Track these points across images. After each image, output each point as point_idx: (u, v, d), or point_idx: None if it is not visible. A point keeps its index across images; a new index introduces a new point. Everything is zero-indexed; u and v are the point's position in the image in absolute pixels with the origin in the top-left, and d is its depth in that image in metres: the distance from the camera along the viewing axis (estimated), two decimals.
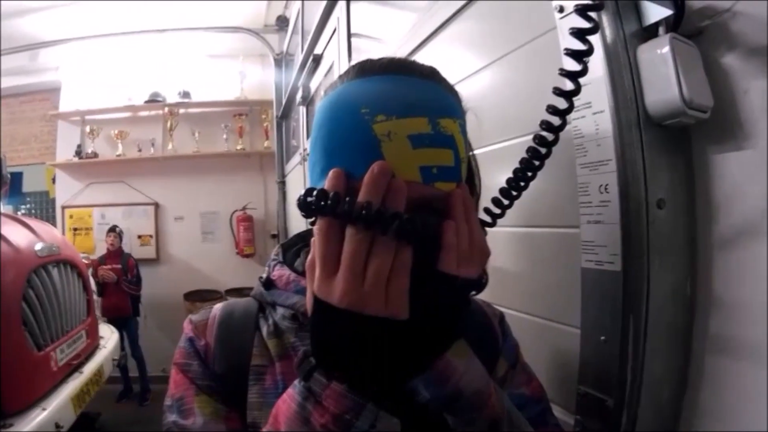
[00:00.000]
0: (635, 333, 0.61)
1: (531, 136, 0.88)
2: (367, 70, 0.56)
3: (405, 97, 0.51)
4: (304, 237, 0.76)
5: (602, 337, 0.67)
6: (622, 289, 0.62)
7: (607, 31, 0.63)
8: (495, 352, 0.71)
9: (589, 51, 0.55)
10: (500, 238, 0.99)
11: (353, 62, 0.58)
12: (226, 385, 0.66)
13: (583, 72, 0.56)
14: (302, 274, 0.67)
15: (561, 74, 0.56)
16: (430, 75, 0.56)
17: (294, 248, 0.75)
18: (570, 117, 0.69)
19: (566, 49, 0.56)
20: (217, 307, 0.75)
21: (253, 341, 0.68)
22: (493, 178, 1.05)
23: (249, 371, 0.66)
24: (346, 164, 0.50)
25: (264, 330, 0.68)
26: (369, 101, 0.51)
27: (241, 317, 0.71)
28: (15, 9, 4.82)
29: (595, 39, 0.64)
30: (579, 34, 0.55)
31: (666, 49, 0.61)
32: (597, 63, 0.65)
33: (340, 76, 0.58)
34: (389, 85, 0.53)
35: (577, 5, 0.56)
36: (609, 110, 0.63)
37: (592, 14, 0.56)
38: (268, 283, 0.70)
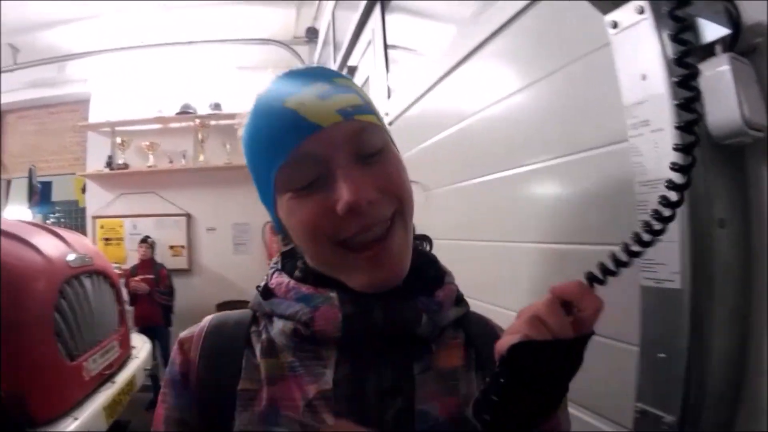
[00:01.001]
0: (699, 350, 0.62)
1: (576, 156, 0.92)
2: (265, 87, 0.63)
3: (299, 80, 0.60)
4: (290, 240, 0.71)
5: (661, 354, 0.68)
6: (686, 306, 0.63)
7: (667, 49, 0.64)
8: None
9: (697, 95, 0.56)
10: (553, 255, 1.01)
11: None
12: (207, 412, 0.61)
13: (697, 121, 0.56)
14: (302, 281, 0.64)
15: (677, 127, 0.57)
16: (318, 67, 0.65)
17: (293, 258, 0.71)
18: (627, 134, 0.72)
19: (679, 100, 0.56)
20: (207, 318, 0.71)
21: (241, 361, 0.63)
22: (532, 198, 1.08)
23: (235, 396, 0.60)
24: (281, 141, 0.57)
25: (257, 348, 0.63)
26: (272, 99, 0.59)
27: (232, 331, 0.67)
28: (43, 22, 4.99)
29: (655, 56, 0.66)
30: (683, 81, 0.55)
31: (725, 67, 0.62)
32: (656, 80, 0.67)
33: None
34: (281, 83, 0.61)
35: (664, 8, 0.57)
36: (669, 129, 0.65)
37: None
38: (267, 292, 0.66)
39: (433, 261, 0.71)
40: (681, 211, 0.64)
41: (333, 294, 0.60)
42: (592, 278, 0.54)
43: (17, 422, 2.13)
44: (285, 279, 0.65)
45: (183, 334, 0.69)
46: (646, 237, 0.53)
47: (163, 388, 0.66)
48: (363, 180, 0.56)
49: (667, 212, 0.52)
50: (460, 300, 0.69)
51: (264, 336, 0.64)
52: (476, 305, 1.35)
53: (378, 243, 0.58)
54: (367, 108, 0.61)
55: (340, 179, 0.55)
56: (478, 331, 0.71)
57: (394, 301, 0.59)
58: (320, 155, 0.56)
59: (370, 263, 0.58)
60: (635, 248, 0.53)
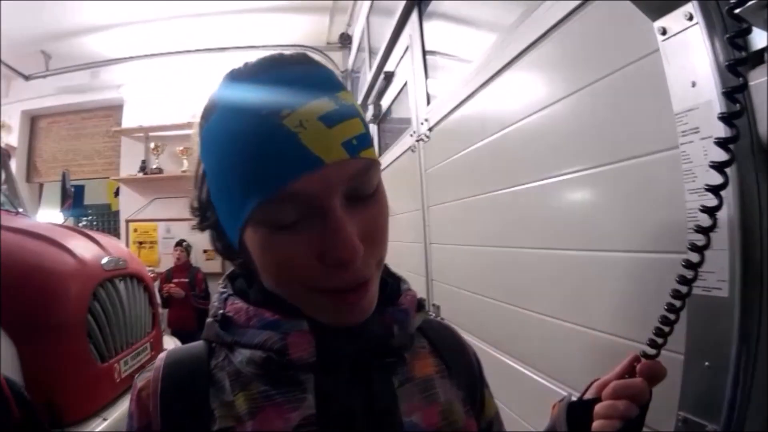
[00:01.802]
0: (746, 360, 0.63)
1: (622, 164, 0.93)
2: (237, 78, 0.56)
3: (296, 85, 0.52)
4: (246, 265, 0.64)
5: (706, 363, 0.69)
6: (735, 315, 0.64)
7: (720, 57, 0.66)
8: (474, 384, 0.74)
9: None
10: (600, 262, 1.02)
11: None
12: None
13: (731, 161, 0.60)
14: (260, 305, 0.59)
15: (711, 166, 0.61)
16: (304, 60, 0.56)
17: (243, 278, 0.67)
18: (678, 141, 0.73)
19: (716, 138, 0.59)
20: (161, 358, 0.64)
21: (208, 400, 0.57)
22: (577, 206, 1.09)
23: None
24: (270, 172, 0.49)
25: (225, 383, 0.58)
26: (264, 103, 0.50)
27: (191, 369, 0.61)
28: (75, 29, 5.17)
29: (705, 63, 0.68)
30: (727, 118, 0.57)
31: None
32: (705, 88, 0.68)
33: (210, 100, 0.57)
34: (273, 81, 0.52)
35: (728, 36, 0.59)
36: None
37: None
38: (225, 321, 0.60)
39: (386, 269, 0.65)
40: (731, 220, 0.65)
41: (302, 320, 0.57)
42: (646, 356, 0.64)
43: (46, 422, 2.14)
44: (243, 305, 0.60)
45: (139, 380, 0.62)
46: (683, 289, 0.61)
47: None
48: (353, 230, 0.51)
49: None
50: (420, 306, 0.67)
51: (228, 369, 0.59)
52: (515, 311, 1.36)
53: (355, 292, 0.54)
54: (369, 138, 0.54)
55: (332, 228, 0.50)
56: (440, 338, 0.73)
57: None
58: (313, 195, 0.50)
59: (344, 308, 0.55)
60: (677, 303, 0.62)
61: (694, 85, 0.70)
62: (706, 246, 0.61)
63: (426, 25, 2.47)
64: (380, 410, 0.59)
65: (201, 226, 0.66)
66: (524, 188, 1.33)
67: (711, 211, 0.62)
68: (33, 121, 6.44)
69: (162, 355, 0.64)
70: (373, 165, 0.54)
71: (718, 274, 0.67)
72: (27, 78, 5.77)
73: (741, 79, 0.59)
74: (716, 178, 0.66)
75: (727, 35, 0.59)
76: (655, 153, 0.85)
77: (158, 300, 3.53)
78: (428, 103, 2.35)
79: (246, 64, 0.57)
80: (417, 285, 2.33)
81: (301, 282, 0.53)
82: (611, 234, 0.98)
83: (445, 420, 0.63)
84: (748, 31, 0.60)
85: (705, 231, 0.62)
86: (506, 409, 1.42)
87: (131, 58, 5.68)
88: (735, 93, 0.58)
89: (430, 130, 2.22)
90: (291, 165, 0.48)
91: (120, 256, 2.99)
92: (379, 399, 0.59)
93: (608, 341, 0.97)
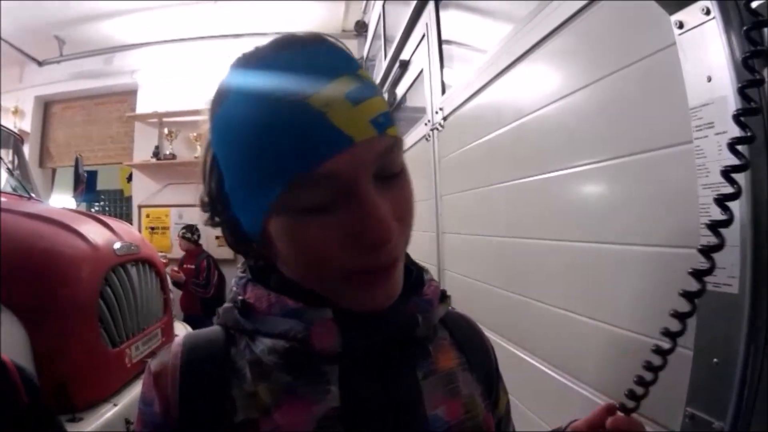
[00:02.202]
0: (754, 358, 0.63)
1: (636, 156, 0.93)
2: (251, 62, 0.54)
3: (317, 64, 0.51)
4: (264, 257, 0.64)
5: (715, 360, 0.69)
6: (744, 313, 0.65)
7: (737, 53, 0.66)
8: (492, 379, 0.73)
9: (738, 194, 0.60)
10: (611, 256, 1.03)
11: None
12: None
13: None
14: (279, 291, 0.58)
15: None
16: (319, 39, 0.55)
17: (259, 267, 0.65)
18: (692, 135, 0.74)
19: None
20: (178, 343, 0.62)
21: (230, 390, 0.56)
22: (587, 198, 1.10)
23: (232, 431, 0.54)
24: (300, 154, 0.48)
25: (246, 372, 0.57)
26: (286, 84, 0.49)
27: (211, 356, 0.59)
28: (89, 14, 5.23)
29: (721, 58, 0.68)
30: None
31: None
32: (721, 82, 0.68)
33: (222, 87, 0.56)
34: (291, 62, 0.51)
35: (745, 28, 0.59)
36: (732, 132, 0.66)
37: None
38: (244, 308, 0.58)
39: (409, 257, 0.65)
40: (742, 217, 0.66)
41: (326, 308, 0.55)
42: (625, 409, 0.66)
43: (57, 406, 2.20)
44: (264, 291, 0.59)
45: (154, 364, 0.60)
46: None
47: (140, 427, 0.60)
48: (387, 210, 0.51)
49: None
50: (443, 297, 0.67)
51: (248, 357, 0.58)
52: (527, 302, 1.37)
53: (384, 272, 0.54)
54: (391, 116, 0.53)
55: (366, 208, 0.49)
56: (460, 330, 0.73)
57: (389, 307, 0.56)
58: (343, 175, 0.49)
59: (371, 291, 0.54)
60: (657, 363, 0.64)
61: (709, 80, 0.70)
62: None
63: (443, 14, 2.46)
64: (405, 403, 0.58)
65: (213, 223, 0.64)
66: (539, 179, 1.34)
67: (719, 225, 0.62)
68: (46, 106, 6.52)
69: (179, 340, 0.62)
70: (399, 143, 0.54)
71: (729, 271, 0.68)
72: (41, 63, 5.85)
73: (756, 74, 0.59)
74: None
75: (745, 27, 0.59)
76: (670, 147, 0.85)
77: (170, 285, 3.57)
78: (443, 92, 2.36)
79: (258, 48, 0.55)
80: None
81: (333, 265, 0.52)
82: (626, 227, 0.98)
83: (468, 413, 0.62)
84: (765, 23, 0.60)
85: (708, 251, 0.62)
86: (516, 402, 1.42)
87: (145, 44, 5.75)
88: (749, 88, 0.59)
89: (444, 119, 2.23)
90: (321, 146, 0.47)
91: (132, 241, 3.02)
92: (404, 392, 0.58)
93: (622, 336, 0.97)
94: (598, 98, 1.06)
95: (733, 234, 0.66)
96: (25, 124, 6.13)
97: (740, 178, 0.63)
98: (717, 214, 0.69)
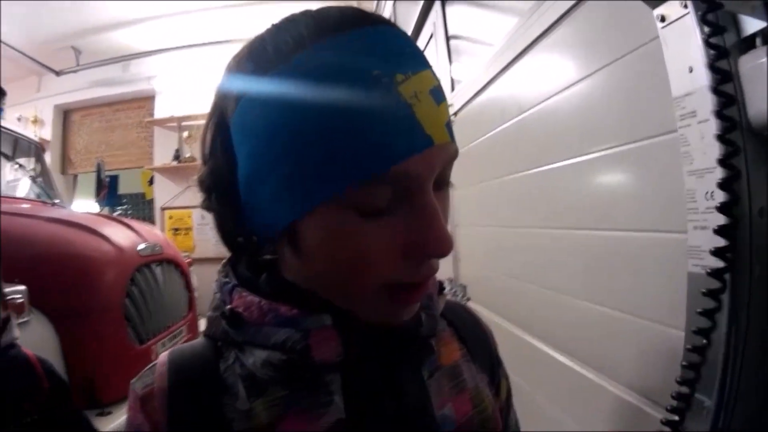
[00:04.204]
0: (736, 339, 0.65)
1: (632, 145, 0.95)
2: (334, 27, 0.46)
3: (404, 49, 0.46)
4: (247, 247, 0.56)
5: (704, 341, 0.71)
6: (725, 294, 0.67)
7: (711, 41, 0.68)
8: (493, 366, 0.71)
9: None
10: (608, 240, 1.06)
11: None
12: None
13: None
14: (271, 297, 0.52)
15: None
16: (390, 22, 0.49)
17: (244, 265, 0.59)
18: (677, 124, 0.76)
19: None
20: (163, 361, 0.56)
21: (222, 410, 0.51)
22: (599, 185, 1.11)
23: None
24: (379, 147, 0.42)
25: (239, 389, 0.52)
26: (375, 61, 0.43)
27: (200, 374, 0.54)
28: (105, 24, 5.30)
29: (698, 49, 0.70)
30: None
31: (764, 60, 0.64)
32: (701, 73, 0.71)
33: (296, 43, 0.46)
34: (379, 38, 0.45)
35: (703, 37, 0.62)
36: (714, 120, 0.69)
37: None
38: (233, 317, 0.52)
39: None
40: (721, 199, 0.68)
41: (325, 314, 0.51)
42: None
43: (84, 403, 2.27)
44: (253, 298, 0.53)
45: (137, 386, 0.55)
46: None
47: None
48: (443, 221, 0.47)
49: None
50: (441, 288, 0.62)
51: (240, 372, 0.53)
52: (543, 292, 1.38)
53: (421, 287, 0.51)
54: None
55: (428, 219, 0.45)
56: (459, 318, 0.71)
57: None
58: (415, 178, 0.45)
59: (404, 305, 0.51)
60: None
61: (691, 70, 0.72)
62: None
63: (449, 9, 2.49)
64: (413, 407, 0.55)
65: (210, 207, 0.57)
66: (548, 168, 1.36)
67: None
68: (66, 114, 6.63)
69: (163, 359, 0.57)
70: (456, 152, 0.50)
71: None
72: (58, 73, 5.94)
73: (719, 75, 0.62)
74: (711, 161, 0.69)
75: (703, 36, 0.62)
76: (662, 135, 0.87)
77: (194, 284, 3.63)
78: (452, 89, 2.39)
79: (331, 12, 0.48)
80: (444, 265, 2.37)
81: (380, 273, 0.47)
82: (642, 213, 0.97)
83: (475, 408, 0.61)
84: (722, 29, 0.63)
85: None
86: (533, 393, 1.46)
87: (161, 50, 5.81)
88: (717, 61, 0.61)
89: (455, 115, 2.25)
90: (403, 142, 0.43)
91: (156, 242, 3.10)
92: (411, 395, 0.56)
93: (643, 326, 0.96)
94: (597, 90, 1.09)
95: (717, 218, 0.69)
96: (45, 132, 6.21)
97: (714, 153, 0.67)
98: (702, 199, 0.72)
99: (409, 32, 3.04)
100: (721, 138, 0.65)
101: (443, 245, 0.45)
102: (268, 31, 0.53)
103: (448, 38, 2.46)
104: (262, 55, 0.49)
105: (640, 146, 0.95)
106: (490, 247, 1.96)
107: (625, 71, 0.99)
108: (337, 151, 0.42)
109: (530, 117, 1.45)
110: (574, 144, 1.21)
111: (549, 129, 1.34)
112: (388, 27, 0.47)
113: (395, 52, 0.45)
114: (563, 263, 1.30)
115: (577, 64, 1.17)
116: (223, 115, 0.53)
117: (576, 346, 1.25)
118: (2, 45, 4.79)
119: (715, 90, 0.63)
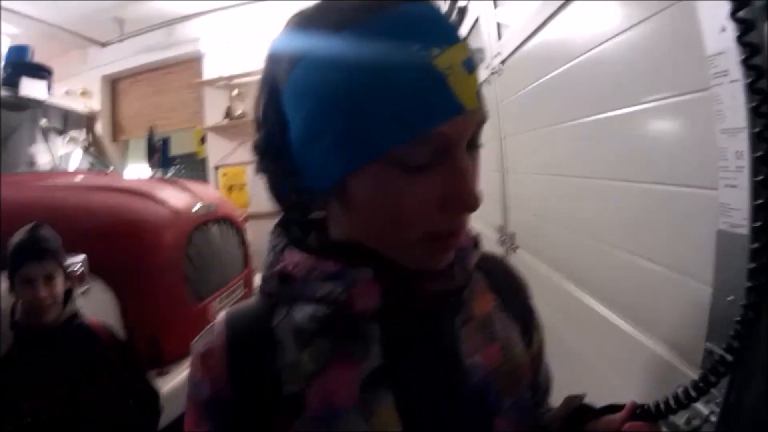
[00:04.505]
0: (757, 298, 0.64)
1: (675, 99, 0.94)
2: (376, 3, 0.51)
3: (439, 22, 0.51)
4: (299, 205, 0.61)
5: (730, 298, 0.73)
6: (748, 252, 0.66)
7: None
8: (526, 316, 0.74)
9: None
10: (636, 192, 1.08)
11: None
12: None
13: None
14: (320, 253, 0.58)
15: None
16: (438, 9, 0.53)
17: (295, 225, 0.65)
18: (710, 82, 0.76)
19: None
20: (221, 321, 0.63)
21: (275, 363, 0.57)
22: (657, 137, 1.07)
23: (281, 405, 0.56)
24: (418, 119, 0.48)
25: (290, 342, 0.58)
26: (415, 34, 0.48)
27: (256, 331, 0.60)
28: None
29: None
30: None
31: None
32: (732, 33, 0.70)
33: (334, 23, 0.51)
34: (419, 14, 0.50)
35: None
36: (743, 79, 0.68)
37: None
38: (283, 275, 0.58)
39: None
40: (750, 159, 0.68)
41: (367, 267, 0.56)
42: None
43: (149, 358, 2.41)
44: (301, 256, 0.58)
45: (199, 345, 0.62)
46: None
47: (193, 416, 0.60)
48: (475, 179, 0.53)
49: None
50: (476, 242, 0.67)
51: (290, 326, 0.58)
52: (596, 245, 1.38)
53: (456, 236, 0.56)
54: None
55: (460, 177, 0.51)
56: (494, 270, 0.74)
57: None
58: (450, 140, 0.50)
59: (442, 252, 0.56)
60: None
61: (723, 29, 0.71)
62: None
63: None
64: (445, 355, 0.60)
65: (264, 168, 0.61)
66: (594, 119, 1.34)
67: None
68: (113, 84, 6.80)
69: (221, 318, 0.63)
70: (486, 117, 0.56)
71: (743, 212, 0.70)
72: (103, 45, 6.05)
73: (743, 25, 0.61)
74: (741, 121, 0.69)
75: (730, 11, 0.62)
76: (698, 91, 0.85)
77: (249, 240, 3.72)
78: (499, 37, 2.36)
79: None
80: (494, 212, 2.45)
81: (421, 223, 0.52)
82: (703, 167, 0.89)
83: (505, 357, 0.64)
84: (746, 3, 0.62)
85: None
86: (580, 349, 1.48)
87: (204, 12, 5.84)
88: (750, 59, 0.61)
89: (502, 62, 2.24)
90: (440, 108, 0.48)
91: (210, 201, 3.20)
92: (444, 343, 0.61)
93: (678, 281, 0.95)
94: (644, 40, 1.06)
95: (745, 177, 0.69)
96: (94, 103, 6.34)
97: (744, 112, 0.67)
98: (733, 158, 0.72)
99: None
100: (751, 87, 0.64)
101: (472, 200, 0.51)
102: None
103: None
104: (329, 17, 0.52)
105: (678, 101, 0.94)
106: (539, 195, 1.96)
107: (665, 26, 0.97)
108: (386, 113, 0.48)
109: (577, 66, 1.43)
110: (618, 95, 1.19)
111: (596, 79, 1.32)
112: (427, 3, 0.52)
113: (433, 27, 0.50)
114: (608, 214, 1.30)
115: (624, 13, 1.14)
116: (276, 80, 0.57)
117: (616, 297, 1.26)
118: (48, 24, 4.89)
119: (740, 40, 0.62)
